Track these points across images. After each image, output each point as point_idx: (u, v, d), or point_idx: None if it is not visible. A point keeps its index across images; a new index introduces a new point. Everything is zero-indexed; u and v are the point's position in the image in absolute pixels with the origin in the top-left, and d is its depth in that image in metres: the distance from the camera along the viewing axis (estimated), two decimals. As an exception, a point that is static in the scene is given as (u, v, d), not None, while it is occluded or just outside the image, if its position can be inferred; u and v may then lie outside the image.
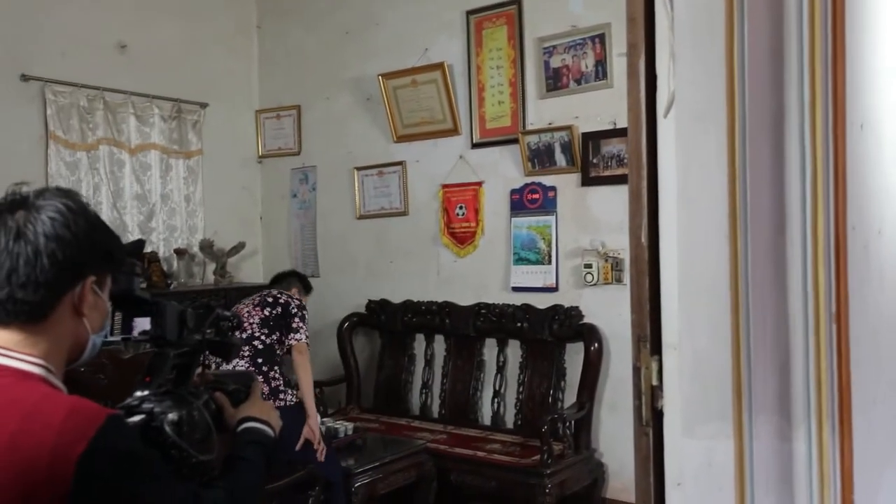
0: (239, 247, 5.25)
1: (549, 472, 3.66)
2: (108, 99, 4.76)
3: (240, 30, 5.62)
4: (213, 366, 2.35)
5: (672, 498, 1.35)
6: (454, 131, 4.60)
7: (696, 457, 1.33)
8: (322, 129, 5.31)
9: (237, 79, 5.60)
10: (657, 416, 1.38)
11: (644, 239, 1.37)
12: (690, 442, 1.33)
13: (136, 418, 1.18)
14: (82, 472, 1.02)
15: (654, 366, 1.37)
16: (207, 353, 1.34)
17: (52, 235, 1.12)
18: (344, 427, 3.75)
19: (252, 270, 5.63)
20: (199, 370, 1.32)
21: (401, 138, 4.84)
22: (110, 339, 1.32)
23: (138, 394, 1.22)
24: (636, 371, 1.39)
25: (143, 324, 1.35)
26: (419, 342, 4.81)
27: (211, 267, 5.20)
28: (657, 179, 1.36)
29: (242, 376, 1.44)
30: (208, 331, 1.35)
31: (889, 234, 1.65)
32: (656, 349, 1.37)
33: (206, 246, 5.11)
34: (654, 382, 1.37)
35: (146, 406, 1.20)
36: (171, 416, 1.18)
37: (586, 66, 4.08)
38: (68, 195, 1.19)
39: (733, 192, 1.29)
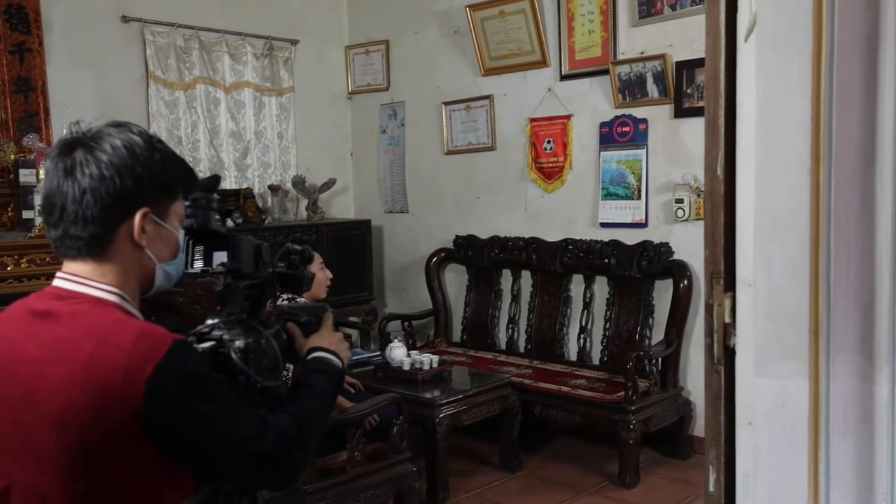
0: (330, 183, 5.35)
1: (633, 408, 3.65)
2: (203, 38, 4.88)
3: (328, -36, 5.61)
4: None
5: (742, 437, 1.32)
6: (542, 63, 4.49)
7: (769, 396, 1.29)
8: (410, 63, 5.29)
9: (326, 15, 5.61)
10: (729, 354, 1.35)
11: (720, 171, 1.31)
12: (763, 381, 1.29)
13: (206, 344, 1.24)
14: (151, 392, 1.08)
15: (728, 303, 1.32)
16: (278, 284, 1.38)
17: (97, 174, 1.17)
18: (430, 359, 3.82)
19: (344, 206, 5.74)
20: (272, 301, 1.37)
21: (488, 71, 4.77)
22: (191, 270, 1.37)
23: (209, 321, 1.28)
24: (708, 308, 1.35)
25: (222, 257, 1.41)
26: (506, 278, 4.82)
27: (304, 203, 5.34)
28: (735, 109, 1.29)
29: (316, 308, 1.47)
30: (280, 264, 1.38)
31: None
32: (730, 286, 1.33)
33: (299, 182, 5.23)
34: (727, 320, 1.33)
35: (216, 333, 1.25)
36: (239, 343, 1.23)
37: (682, -10, 3.88)
38: (120, 130, 1.21)
39: (817, 122, 1.22)
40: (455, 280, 5.12)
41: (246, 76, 5.11)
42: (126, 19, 4.56)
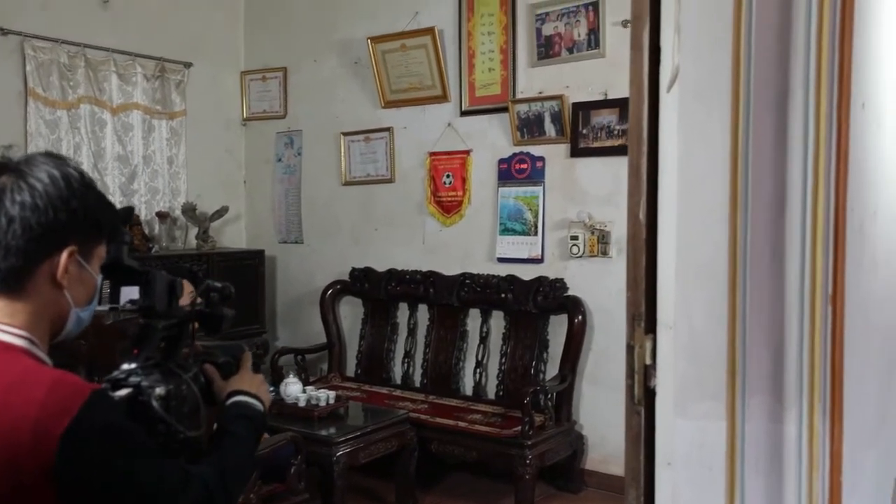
0: (222, 211, 5.19)
1: (529, 443, 3.68)
2: (89, 56, 4.65)
3: (226, -12, 5.49)
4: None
5: (662, 477, 1.34)
6: (443, 98, 4.54)
7: (688, 437, 1.32)
8: (309, 92, 5.23)
9: (223, 38, 5.48)
10: (649, 395, 1.37)
11: (642, 216, 1.34)
12: (683, 422, 1.32)
13: (123, 392, 1.15)
14: (66, 447, 0.99)
15: (648, 344, 1.35)
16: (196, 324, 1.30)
17: (29, 203, 1.08)
18: (326, 395, 3.73)
19: (235, 235, 5.57)
20: (189, 342, 1.29)
21: (389, 104, 4.77)
22: (98, 308, 1.28)
23: (125, 367, 1.19)
24: (629, 349, 1.38)
25: (129, 293, 1.32)
26: (402, 311, 4.80)
27: (193, 231, 5.14)
28: (658, 155, 1.33)
29: (232, 348, 1.40)
30: (198, 301, 1.31)
31: (883, 215, 1.64)
32: (651, 327, 1.36)
33: (189, 209, 5.04)
34: (648, 361, 1.35)
35: (133, 379, 1.16)
36: (159, 390, 1.15)
37: (579, 35, 4.03)
38: (58, 161, 1.14)
39: (734, 172, 1.27)
40: (350, 313, 5.05)
41: (135, 98, 4.90)
42: (3, 32, 4.29)
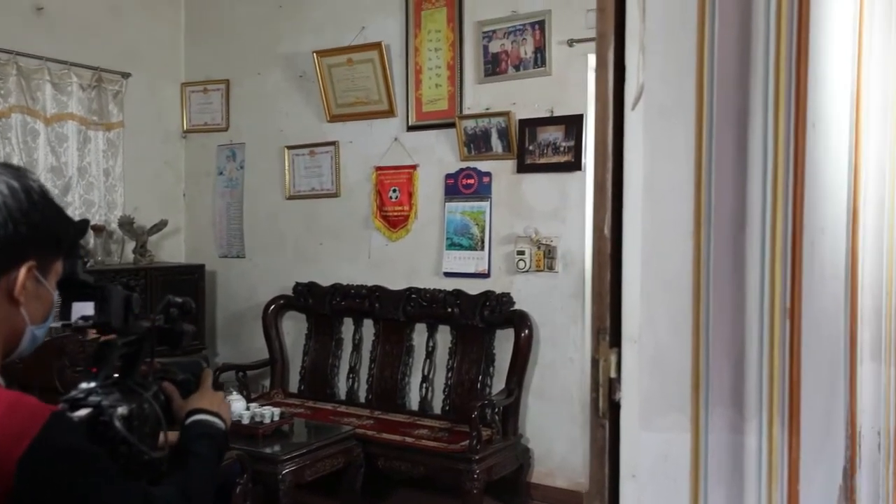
0: (160, 225, 5.06)
1: (477, 457, 3.68)
2: (21, 64, 4.49)
3: (166, -3, 5.38)
4: None
5: (626, 490, 1.36)
6: (390, 113, 4.54)
7: (653, 449, 1.34)
8: (252, 105, 5.16)
9: (162, 49, 5.36)
10: (614, 408, 1.39)
11: (607, 231, 1.36)
12: (647, 434, 1.34)
13: (83, 412, 1.10)
14: (25, 471, 0.95)
15: (613, 358, 1.37)
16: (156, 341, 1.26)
17: None
18: (271, 412, 3.66)
19: (174, 249, 5.44)
20: (149, 359, 1.25)
21: (334, 118, 4.74)
22: (51, 325, 1.23)
23: (84, 385, 1.14)
24: (594, 363, 1.39)
25: (81, 308, 1.27)
26: (347, 326, 4.75)
27: (130, 245, 5.00)
28: (622, 171, 1.35)
29: (191, 365, 1.36)
30: (157, 317, 1.27)
31: (831, 232, 1.70)
32: (615, 341, 1.37)
33: (126, 223, 4.91)
34: (613, 374, 1.37)
35: (93, 399, 1.12)
36: (121, 409, 1.11)
37: (525, 53, 4.08)
38: (17, 173, 1.09)
39: (699, 188, 1.30)
40: (293, 328, 4.97)
41: (70, 108, 4.75)
42: (-69, 37, 4.12)
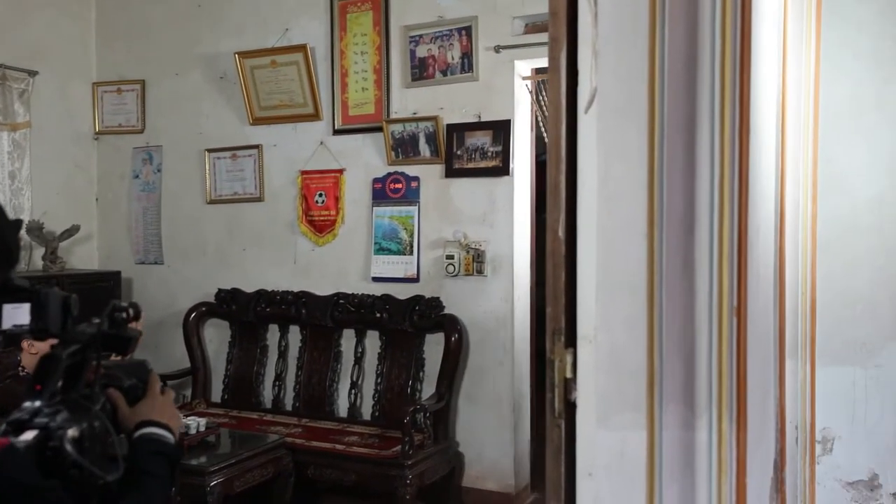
0: (72, 230, 4.84)
1: (409, 462, 3.66)
2: (-82, 59, 4.22)
3: (76, -7, 5.16)
4: None
5: (583, 488, 1.37)
6: (315, 116, 4.47)
7: (610, 447, 1.36)
8: (170, 106, 4.99)
9: (72, 47, 5.13)
10: (569, 408, 1.40)
11: (561, 232, 1.37)
12: (604, 433, 1.36)
13: (29, 436, 1.02)
14: None
15: (569, 358, 1.38)
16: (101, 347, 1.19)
17: None
18: (196, 422, 3.54)
19: (86, 255, 5.21)
20: (97, 366, 1.17)
21: (257, 120, 4.64)
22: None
23: (28, 405, 1.05)
24: (550, 364, 1.40)
25: (13, 315, 1.20)
26: (273, 333, 4.65)
27: (39, 251, 4.76)
28: (576, 173, 1.37)
29: (136, 368, 1.28)
30: (96, 320, 1.19)
31: (764, 233, 1.77)
32: (571, 342, 1.39)
33: (34, 228, 4.67)
34: (568, 375, 1.38)
35: (39, 420, 1.04)
36: (71, 431, 1.03)
37: (452, 58, 4.10)
38: None
39: (651, 190, 1.33)
40: (216, 336, 4.84)
41: (-28, 106, 4.50)
42: None
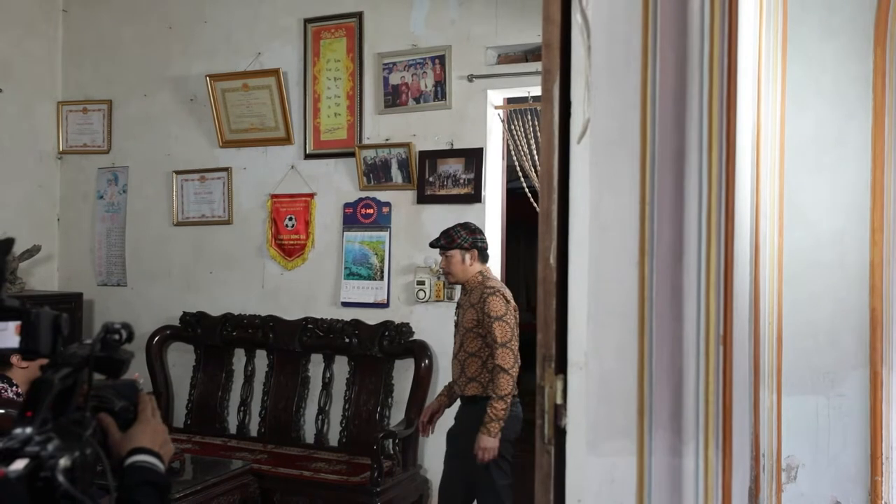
0: (33, 250, 4.74)
1: (378, 489, 3.63)
2: None
3: (42, 11, 5.09)
4: None
5: (572, 514, 1.38)
6: (286, 140, 4.47)
7: (600, 473, 1.37)
8: (137, 127, 4.94)
9: (36, 65, 5.06)
10: (559, 434, 1.41)
11: (553, 260, 1.39)
12: (594, 459, 1.37)
13: (20, 465, 0.99)
14: None
15: (559, 384, 1.39)
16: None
17: None
18: (161, 449, 3.47)
19: (46, 277, 5.09)
20: (87, 389, 1.15)
21: (227, 143, 4.62)
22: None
23: (18, 432, 1.02)
24: (540, 390, 1.41)
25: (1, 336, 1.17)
26: (239, 358, 4.59)
27: (-2, 272, 4.64)
28: (567, 202, 1.39)
29: (125, 388, 1.25)
30: (88, 342, 1.16)
31: (741, 263, 1.81)
32: (561, 368, 1.40)
33: (-6, 248, 4.55)
34: (559, 401, 1.40)
35: (30, 449, 1.00)
36: (63, 461, 1.00)
37: (426, 86, 4.14)
38: None
39: (643, 220, 1.36)
40: (179, 360, 4.75)
41: (-67, 123, 4.40)
42: None
